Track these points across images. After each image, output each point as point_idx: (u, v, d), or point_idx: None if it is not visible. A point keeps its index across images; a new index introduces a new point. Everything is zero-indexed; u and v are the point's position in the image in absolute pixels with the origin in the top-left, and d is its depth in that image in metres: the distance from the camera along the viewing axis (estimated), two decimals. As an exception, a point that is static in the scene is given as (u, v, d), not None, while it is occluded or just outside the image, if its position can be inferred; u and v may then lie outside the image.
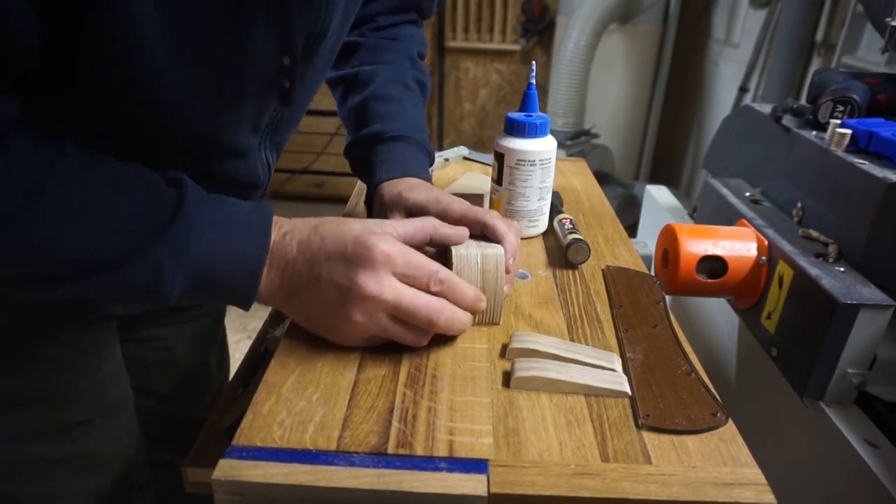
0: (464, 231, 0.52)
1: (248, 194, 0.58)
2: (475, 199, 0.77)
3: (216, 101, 0.48)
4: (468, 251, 0.51)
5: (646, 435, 0.41)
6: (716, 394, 0.46)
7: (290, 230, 0.47)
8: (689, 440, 0.41)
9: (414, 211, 0.57)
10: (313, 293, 0.45)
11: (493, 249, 0.51)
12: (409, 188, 0.59)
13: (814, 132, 0.77)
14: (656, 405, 0.44)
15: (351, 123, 0.69)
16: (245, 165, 0.55)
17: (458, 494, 0.36)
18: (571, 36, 2.34)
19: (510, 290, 0.56)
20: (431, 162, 0.68)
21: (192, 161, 0.50)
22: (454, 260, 0.50)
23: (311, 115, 2.79)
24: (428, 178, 0.64)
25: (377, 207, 0.61)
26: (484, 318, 0.52)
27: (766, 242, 0.72)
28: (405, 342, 0.47)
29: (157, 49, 0.41)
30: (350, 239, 0.45)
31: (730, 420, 0.43)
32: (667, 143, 2.81)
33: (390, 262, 0.45)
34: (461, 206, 0.55)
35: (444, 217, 0.54)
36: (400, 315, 0.45)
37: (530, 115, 0.65)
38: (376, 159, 0.64)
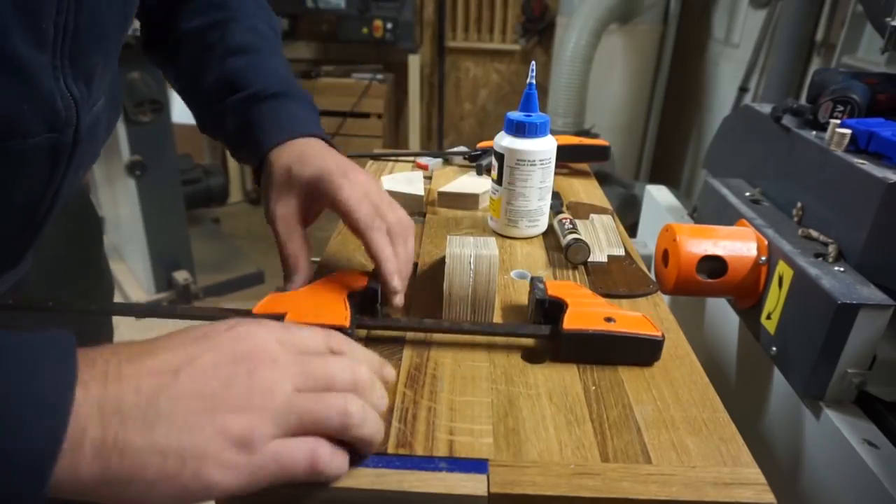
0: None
1: (53, 139, 0.44)
2: (470, 199, 0.77)
3: None
4: (462, 251, 0.51)
5: (646, 435, 0.41)
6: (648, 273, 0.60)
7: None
8: (689, 440, 0.41)
9: (308, 191, 0.50)
10: None
11: (488, 251, 0.51)
12: (300, 160, 0.50)
13: (814, 132, 0.77)
14: (605, 283, 0.57)
15: (208, 92, 0.57)
16: (32, 93, 0.41)
17: (458, 494, 0.36)
18: (571, 36, 2.34)
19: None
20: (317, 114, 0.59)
21: None
22: (447, 259, 0.50)
23: (311, 115, 2.80)
24: (323, 136, 0.55)
25: (266, 185, 0.52)
26: (477, 320, 0.52)
27: (766, 242, 0.72)
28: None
29: None
30: None
31: (726, 413, 0.43)
32: (667, 143, 2.81)
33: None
34: (348, 205, 0.48)
35: (335, 209, 0.49)
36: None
37: (530, 115, 0.65)
38: (259, 124, 0.53)
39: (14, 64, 0.39)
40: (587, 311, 0.49)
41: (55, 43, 0.41)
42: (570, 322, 0.48)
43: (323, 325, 0.43)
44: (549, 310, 0.50)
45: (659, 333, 0.48)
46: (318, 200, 0.51)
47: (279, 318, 0.45)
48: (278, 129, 0.53)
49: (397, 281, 0.48)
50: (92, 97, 0.48)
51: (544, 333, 0.49)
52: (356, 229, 0.49)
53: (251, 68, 0.56)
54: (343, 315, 0.47)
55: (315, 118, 0.57)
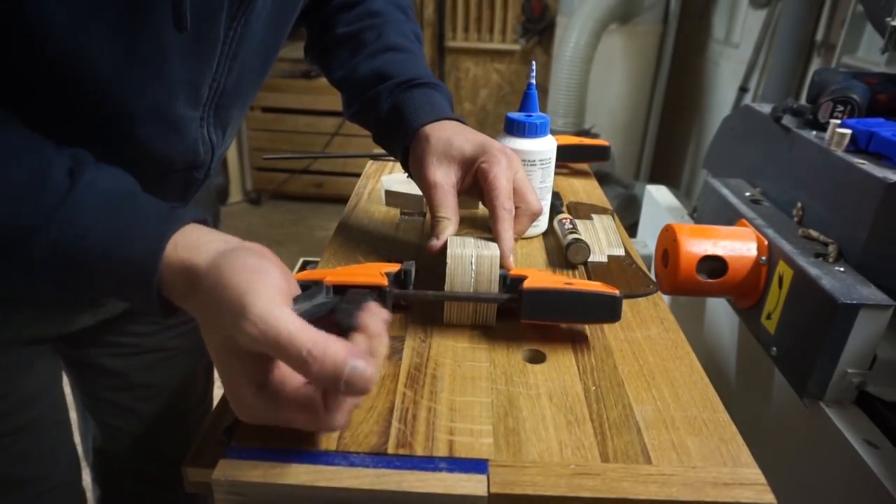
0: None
1: (188, 175, 0.53)
2: (470, 198, 0.76)
3: (129, 58, 0.42)
4: (463, 251, 0.51)
5: (646, 435, 0.41)
6: (648, 273, 0.60)
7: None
8: (689, 440, 0.41)
9: (467, 162, 0.56)
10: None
11: (489, 251, 0.51)
12: (461, 134, 0.57)
13: (814, 132, 0.77)
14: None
15: (364, 80, 0.65)
16: (181, 141, 0.49)
17: (458, 494, 0.36)
18: (571, 36, 2.34)
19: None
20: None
21: (115, 132, 0.45)
22: (448, 260, 0.51)
23: (310, 115, 2.80)
24: (464, 121, 0.62)
25: (419, 153, 0.57)
26: (478, 320, 0.52)
27: (766, 242, 0.72)
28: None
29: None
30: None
31: (726, 413, 0.43)
32: (667, 143, 2.81)
33: None
34: (495, 181, 0.54)
35: (483, 180, 0.55)
36: None
37: (530, 115, 0.65)
38: (411, 105, 0.60)
39: (175, 121, 0.47)
40: (547, 278, 0.51)
41: (206, 101, 0.49)
42: (529, 284, 0.49)
43: (362, 286, 0.47)
44: (511, 285, 0.51)
45: (617, 292, 0.49)
46: (471, 172, 0.57)
47: (317, 283, 0.47)
48: (430, 110, 0.59)
49: (511, 260, 0.54)
50: (225, 142, 0.56)
51: (504, 297, 0.51)
52: (491, 204, 0.54)
53: (404, 63, 0.63)
54: (381, 278, 0.50)
55: (452, 109, 0.63)
